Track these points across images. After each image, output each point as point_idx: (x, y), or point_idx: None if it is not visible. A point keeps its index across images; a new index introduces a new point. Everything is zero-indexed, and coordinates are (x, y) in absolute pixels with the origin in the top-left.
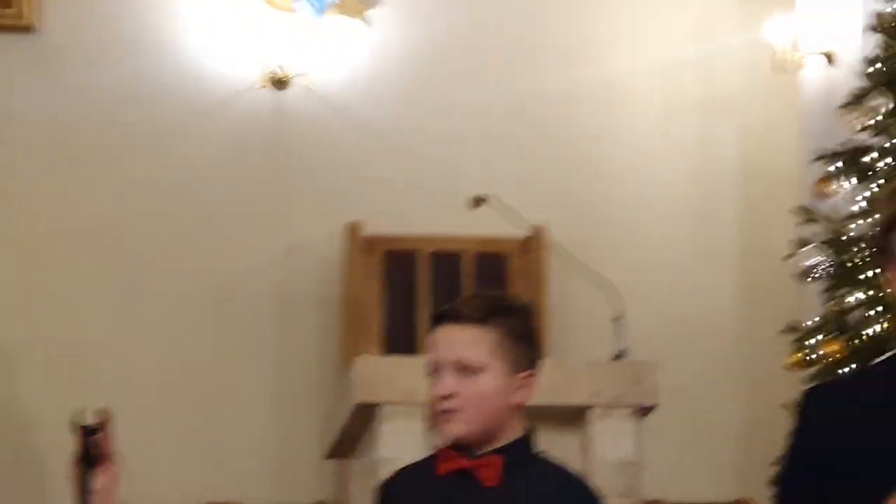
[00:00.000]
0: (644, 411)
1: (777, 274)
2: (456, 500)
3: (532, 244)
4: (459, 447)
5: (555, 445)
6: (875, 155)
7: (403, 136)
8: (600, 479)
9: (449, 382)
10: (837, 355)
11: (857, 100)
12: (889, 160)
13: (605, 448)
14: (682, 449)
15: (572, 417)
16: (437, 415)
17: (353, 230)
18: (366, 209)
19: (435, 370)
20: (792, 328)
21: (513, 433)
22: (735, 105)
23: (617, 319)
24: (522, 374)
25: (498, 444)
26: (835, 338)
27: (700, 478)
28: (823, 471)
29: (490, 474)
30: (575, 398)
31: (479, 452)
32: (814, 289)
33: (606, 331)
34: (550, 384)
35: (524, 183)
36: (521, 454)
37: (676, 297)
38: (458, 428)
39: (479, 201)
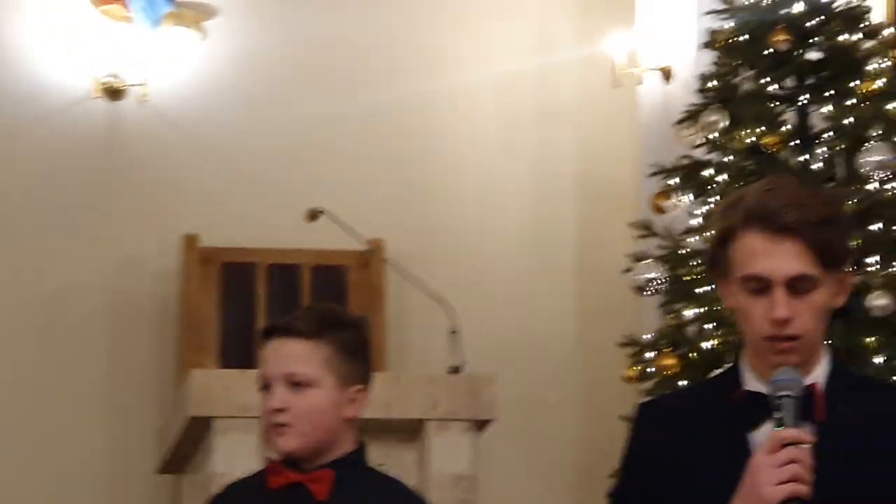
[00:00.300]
0: (481, 425)
1: (615, 288)
2: None
3: (370, 258)
4: (290, 461)
5: (392, 459)
6: (712, 171)
7: (241, 148)
8: (437, 493)
9: (280, 397)
10: (673, 369)
11: (693, 116)
12: (725, 176)
13: (442, 462)
14: (521, 462)
15: (409, 431)
16: (269, 429)
17: (189, 242)
18: (203, 221)
19: (266, 384)
20: (629, 342)
21: (345, 447)
22: (574, 119)
23: (453, 333)
24: (354, 389)
25: (330, 458)
26: (670, 352)
27: (538, 491)
28: (654, 485)
29: (321, 488)
30: (411, 412)
31: (311, 466)
32: (652, 303)
33: (444, 345)
34: (387, 398)
35: (363, 196)
36: (353, 468)
37: (515, 310)
38: (289, 442)
39: (315, 214)
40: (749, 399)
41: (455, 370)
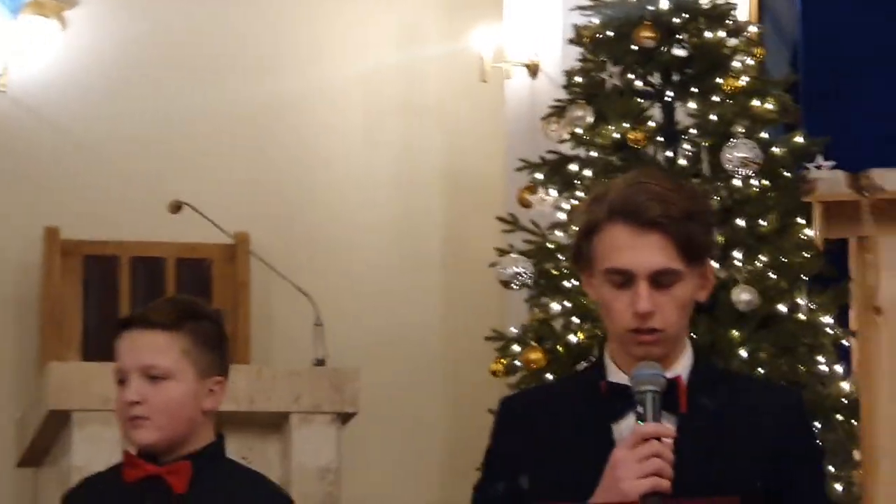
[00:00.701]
0: (345, 418)
1: (483, 282)
2: None
3: (235, 251)
4: (148, 454)
5: (255, 452)
6: (577, 166)
7: (103, 140)
8: (301, 487)
9: (137, 389)
10: (539, 363)
11: (559, 111)
12: (590, 171)
13: (306, 455)
14: (389, 455)
15: (273, 424)
16: (126, 422)
17: (50, 234)
18: (65, 213)
19: (123, 377)
20: (495, 336)
21: (203, 439)
22: (441, 113)
23: (317, 326)
24: (213, 380)
25: (187, 451)
26: (536, 346)
27: (406, 483)
28: (517, 480)
29: (179, 481)
30: (275, 405)
31: (168, 459)
32: (519, 297)
33: (310, 339)
34: (250, 391)
35: (228, 189)
36: (211, 460)
37: (382, 304)
38: (146, 435)
39: (177, 206)
40: (612, 391)
41: (319, 363)
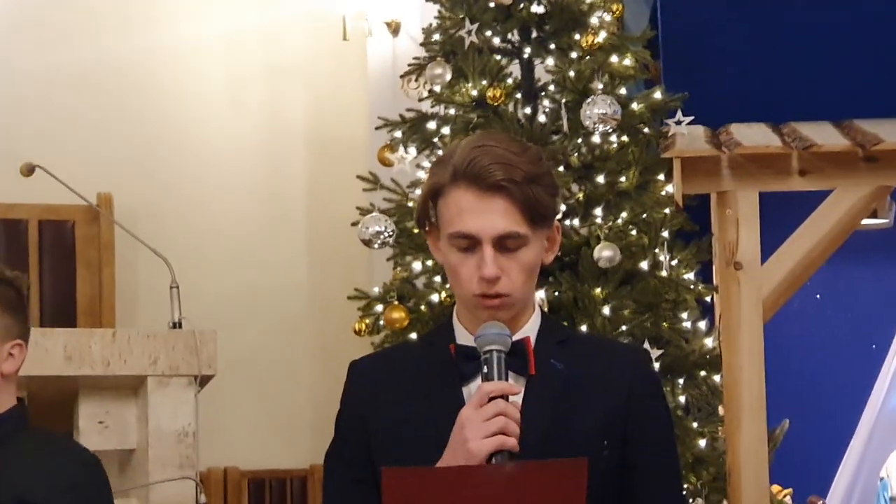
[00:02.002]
0: (203, 381)
1: (347, 242)
2: None
3: (98, 213)
4: None
5: (113, 416)
6: (435, 124)
7: None
8: (159, 450)
9: None
10: (401, 322)
11: (418, 69)
12: (448, 129)
13: (163, 418)
14: (257, 418)
15: (130, 387)
16: None
17: None
18: None
19: None
20: (359, 295)
21: (3, 404)
22: (303, 73)
23: (172, 289)
24: (10, 344)
25: None
26: (398, 305)
27: (275, 446)
28: (367, 444)
29: None
30: (131, 368)
31: None
32: (382, 256)
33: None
34: (106, 354)
35: (90, 151)
36: (13, 425)
37: (245, 265)
38: None
39: (30, 169)
40: (461, 354)
41: (176, 326)
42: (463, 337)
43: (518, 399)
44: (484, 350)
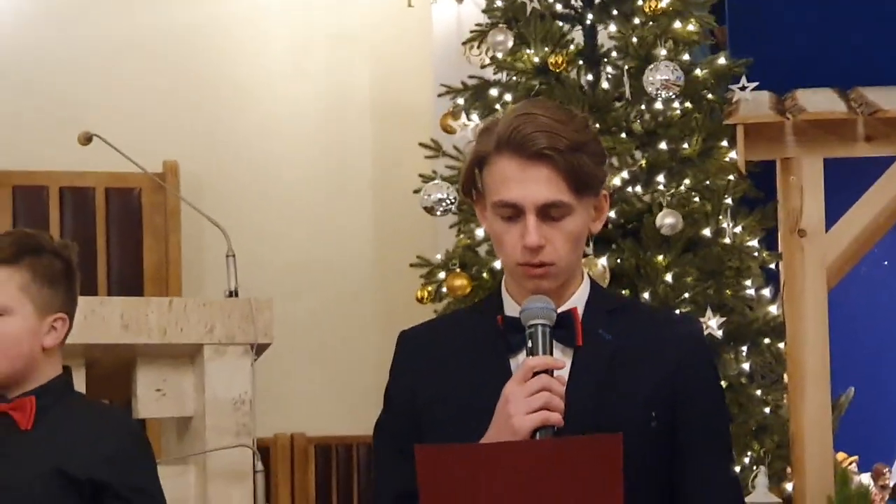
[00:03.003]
0: (260, 349)
1: (411, 209)
2: None
3: (164, 180)
4: None
5: (170, 384)
6: (497, 91)
7: (25, 70)
8: (216, 418)
9: None
10: (463, 290)
11: (480, 35)
12: (510, 96)
13: (219, 387)
14: (323, 385)
15: (186, 356)
16: None
17: None
18: None
19: None
20: (421, 262)
21: (48, 375)
22: (368, 39)
23: (229, 258)
24: (53, 318)
25: (31, 387)
26: (461, 272)
27: (341, 413)
28: (416, 415)
29: (23, 417)
30: (188, 336)
31: (13, 395)
32: (446, 223)
33: (240, 269)
34: (163, 323)
35: (156, 118)
36: (55, 395)
37: (311, 233)
38: None
39: (88, 138)
40: (508, 325)
41: (232, 294)
42: (511, 307)
43: (565, 372)
44: (528, 324)
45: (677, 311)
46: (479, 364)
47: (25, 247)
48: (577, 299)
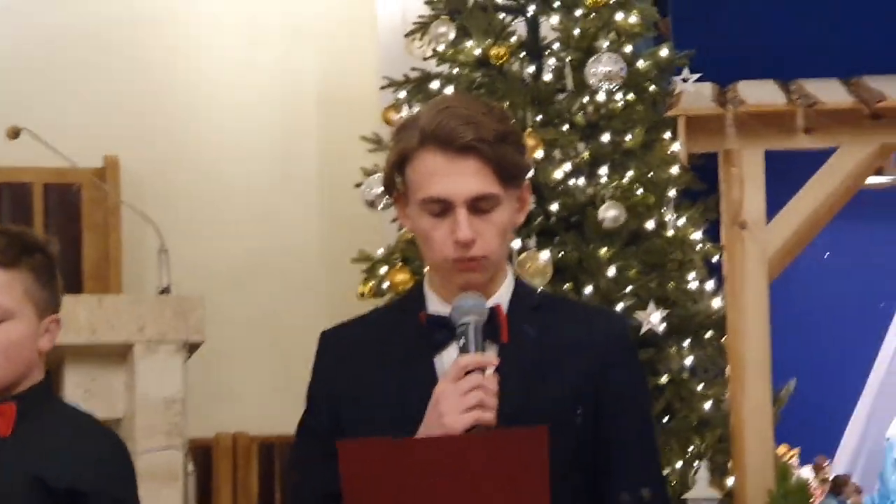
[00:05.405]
0: (192, 347)
1: (358, 202)
2: None
3: (104, 175)
4: None
5: (100, 383)
6: (438, 84)
7: None
8: (147, 417)
9: None
10: (405, 284)
11: (423, 28)
12: (451, 89)
13: (150, 386)
14: (266, 382)
15: (117, 354)
16: None
17: None
18: None
19: None
20: (363, 257)
21: (32, 379)
22: (315, 31)
23: (161, 254)
24: (49, 319)
25: (14, 392)
26: (402, 267)
27: (284, 410)
28: (338, 415)
29: (3, 423)
30: (118, 335)
31: None
32: (389, 217)
33: (175, 264)
34: (93, 321)
35: (98, 111)
36: (36, 401)
37: (257, 226)
38: None
39: (15, 133)
40: (432, 322)
41: (164, 291)
42: (434, 305)
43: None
44: (460, 322)
45: (618, 306)
46: (402, 363)
47: (22, 246)
48: (502, 295)
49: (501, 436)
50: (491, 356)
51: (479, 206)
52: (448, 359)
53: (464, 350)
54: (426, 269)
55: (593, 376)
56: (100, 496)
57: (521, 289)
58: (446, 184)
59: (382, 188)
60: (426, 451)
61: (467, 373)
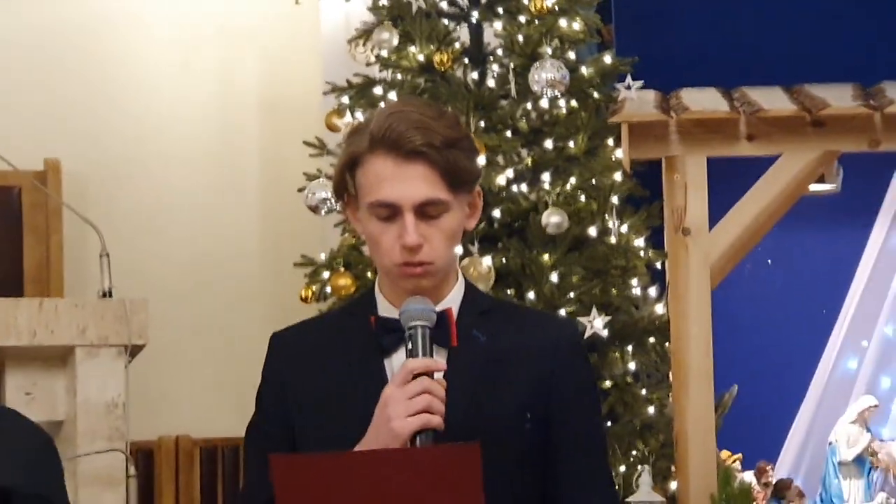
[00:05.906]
0: (134, 351)
1: (300, 207)
2: None
3: (45, 178)
4: None
5: (40, 388)
6: (381, 90)
7: None
8: (88, 422)
9: None
10: (347, 289)
11: (366, 33)
12: (394, 94)
13: (92, 390)
14: (209, 386)
15: (58, 358)
16: None
17: None
18: None
19: None
20: (305, 262)
21: None
22: (256, 36)
23: (102, 258)
24: None
25: None
26: (344, 272)
27: (228, 414)
28: (287, 418)
29: None
30: (59, 338)
31: None
32: (332, 222)
33: (119, 268)
34: (33, 324)
35: (38, 116)
36: None
37: (198, 231)
38: None
39: None
40: (382, 326)
41: (106, 295)
42: (384, 308)
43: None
44: (408, 326)
45: (562, 311)
46: (352, 366)
47: None
48: (452, 299)
49: (434, 451)
50: (439, 360)
51: (426, 211)
52: (398, 362)
53: (411, 354)
54: (378, 273)
55: (544, 382)
56: (26, 494)
57: (471, 294)
58: (394, 188)
59: (332, 191)
60: (360, 465)
61: (415, 376)
